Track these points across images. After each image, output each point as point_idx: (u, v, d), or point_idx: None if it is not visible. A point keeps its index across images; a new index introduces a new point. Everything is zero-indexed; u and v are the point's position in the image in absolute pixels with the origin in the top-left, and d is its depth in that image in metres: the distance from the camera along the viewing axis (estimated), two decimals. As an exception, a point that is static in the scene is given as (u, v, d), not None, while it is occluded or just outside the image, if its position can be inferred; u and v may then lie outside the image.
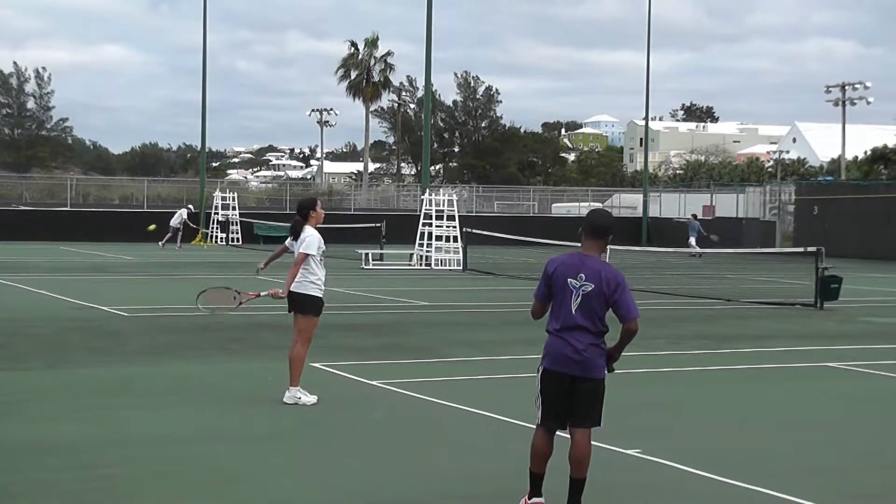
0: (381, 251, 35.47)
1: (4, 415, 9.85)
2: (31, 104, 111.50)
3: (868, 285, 29.07)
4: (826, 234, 44.17)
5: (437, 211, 34.99)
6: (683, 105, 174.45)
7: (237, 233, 49.97)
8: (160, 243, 42.94)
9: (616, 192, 75.03)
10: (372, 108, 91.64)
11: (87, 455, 8.34)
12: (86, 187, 70.95)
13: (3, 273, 26.69)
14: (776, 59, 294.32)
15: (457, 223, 35.08)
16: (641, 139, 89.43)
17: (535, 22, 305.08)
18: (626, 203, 66.99)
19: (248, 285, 17.61)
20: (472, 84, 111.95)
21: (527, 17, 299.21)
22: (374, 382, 11.82)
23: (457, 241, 34.72)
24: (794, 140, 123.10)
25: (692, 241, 46.86)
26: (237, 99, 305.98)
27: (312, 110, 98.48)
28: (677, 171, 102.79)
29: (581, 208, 60.14)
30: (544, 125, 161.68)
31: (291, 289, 10.52)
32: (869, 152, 73.43)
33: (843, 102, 70.19)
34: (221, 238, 49.91)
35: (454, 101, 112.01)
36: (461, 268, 33.43)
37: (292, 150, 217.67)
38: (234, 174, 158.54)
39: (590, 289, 6.71)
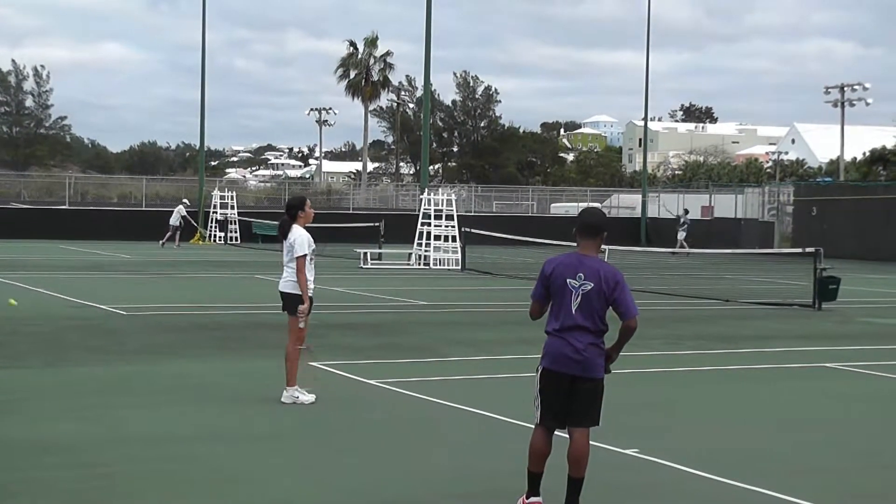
0: (380, 251, 35.49)
1: (3, 413, 9.86)
2: (29, 102, 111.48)
3: (866, 286, 29.09)
4: (824, 234, 44.20)
5: (435, 210, 34.99)
6: (682, 105, 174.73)
7: (236, 232, 50.00)
8: (160, 242, 42.97)
9: (615, 192, 75.09)
10: (371, 108, 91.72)
11: (86, 454, 8.35)
12: (84, 186, 70.97)
13: (2, 271, 26.68)
14: (775, 60, 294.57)
15: (455, 223, 35.08)
16: (640, 139, 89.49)
17: (535, 22, 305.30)
18: (624, 203, 67.02)
19: (247, 285, 17.85)
20: (471, 84, 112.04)
21: (526, 16, 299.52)
22: (372, 382, 11.83)
23: (455, 241, 34.73)
24: (793, 141, 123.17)
25: (681, 236, 47.06)
26: (236, 98, 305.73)
27: (311, 109, 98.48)
28: (676, 172, 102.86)
29: (580, 208, 60.12)
30: (543, 125, 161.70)
31: (281, 289, 10.54)
32: (868, 153, 73.51)
33: (843, 103, 70.24)
34: (220, 237, 49.96)
35: (453, 101, 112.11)
36: (460, 267, 33.44)
37: (291, 150, 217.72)
38: (233, 173, 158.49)
39: (589, 288, 6.72)
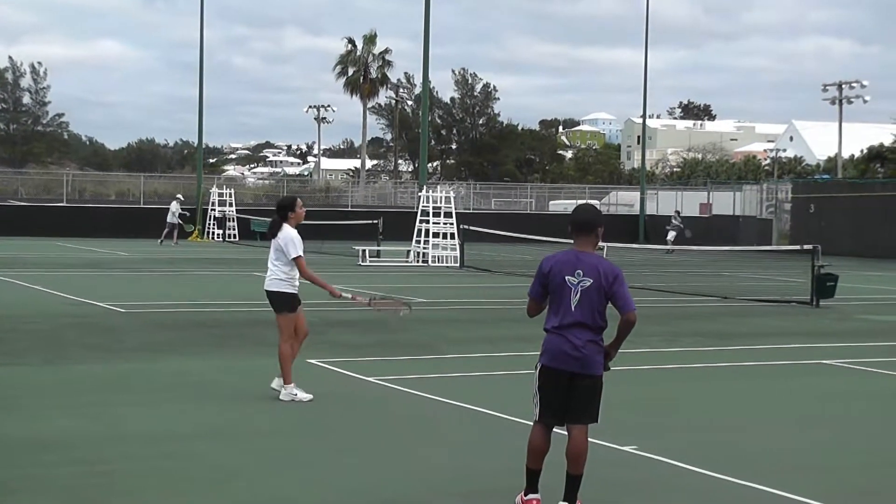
0: (379, 248, 35.50)
1: (2, 410, 9.86)
2: (26, 99, 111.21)
3: (864, 283, 29.12)
4: (822, 231, 44.26)
5: (434, 208, 34.99)
6: (681, 103, 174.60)
7: (234, 229, 50.01)
8: (159, 241, 42.97)
9: (613, 189, 75.11)
10: (369, 105, 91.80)
11: (86, 451, 8.36)
12: (82, 183, 70.90)
13: (0, 269, 26.68)
14: (773, 58, 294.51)
15: (454, 220, 35.08)
16: (639, 137, 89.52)
17: (533, 19, 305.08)
18: (623, 201, 67.06)
19: (245, 282, 17.79)
20: (469, 81, 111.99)
21: (525, 13, 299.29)
22: (371, 379, 11.84)
23: (454, 238, 34.74)
24: (791, 138, 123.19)
25: (671, 236, 47.45)
26: (234, 95, 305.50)
27: (310, 107, 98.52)
28: (675, 169, 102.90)
29: (578, 206, 60.12)
30: (542, 122, 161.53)
31: (266, 288, 10.58)
32: (865, 151, 73.53)
33: (840, 101, 70.31)
34: (218, 234, 49.96)
35: (452, 98, 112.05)
36: (458, 265, 33.46)
37: (289, 147, 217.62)
38: (231, 170, 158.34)
39: (588, 284, 6.72)
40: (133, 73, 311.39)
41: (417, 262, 34.45)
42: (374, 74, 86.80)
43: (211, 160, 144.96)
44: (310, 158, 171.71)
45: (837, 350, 15.32)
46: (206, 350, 13.93)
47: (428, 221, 34.76)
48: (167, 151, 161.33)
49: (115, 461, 8.06)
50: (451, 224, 34.94)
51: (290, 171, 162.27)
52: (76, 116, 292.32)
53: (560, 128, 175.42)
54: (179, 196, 46.89)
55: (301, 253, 10.39)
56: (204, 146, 63.35)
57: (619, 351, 6.91)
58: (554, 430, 6.90)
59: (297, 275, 10.54)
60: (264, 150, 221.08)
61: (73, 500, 7.07)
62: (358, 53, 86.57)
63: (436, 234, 34.75)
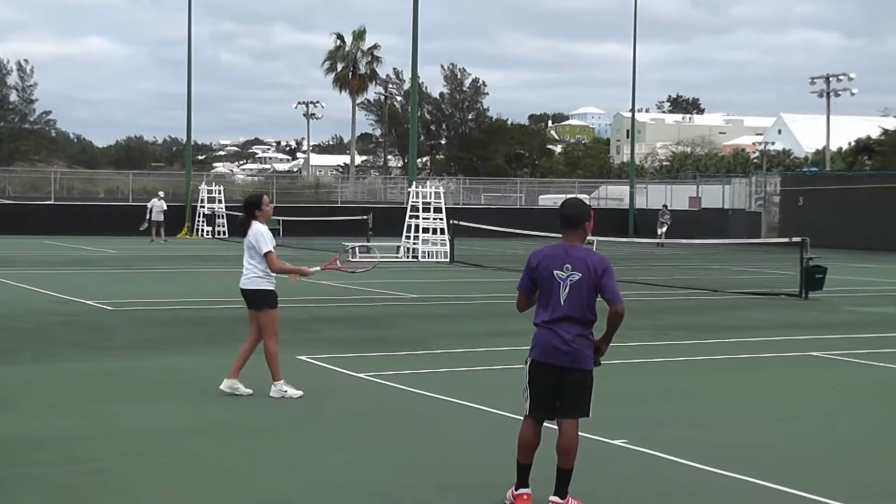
0: (368, 244, 35.45)
1: (-7, 409, 9.84)
2: (13, 97, 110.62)
3: (852, 275, 29.22)
4: (811, 224, 44.36)
5: (423, 203, 35.01)
6: (669, 97, 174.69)
7: (223, 226, 49.95)
8: (150, 239, 43.01)
9: (603, 183, 75.16)
10: (358, 101, 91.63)
11: (78, 449, 8.36)
12: (70, 181, 70.61)
13: (-11, 267, 26.60)
14: (761, 51, 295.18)
15: (444, 215, 35.11)
16: (628, 131, 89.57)
17: (522, 14, 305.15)
18: (612, 195, 67.14)
19: (235, 279, 17.49)
20: (458, 76, 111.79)
21: (513, 8, 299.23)
22: (361, 375, 11.85)
23: (444, 234, 34.75)
24: (780, 131, 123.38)
25: (663, 230, 47.74)
26: (223, 92, 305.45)
27: (299, 103, 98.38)
28: (664, 163, 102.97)
29: (567, 200, 60.14)
30: (531, 117, 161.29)
31: (243, 286, 10.55)
32: (853, 143, 73.80)
33: (828, 94, 70.51)
34: (207, 231, 49.88)
35: (441, 94, 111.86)
36: (448, 260, 33.47)
37: (279, 143, 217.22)
38: (220, 167, 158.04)
39: (577, 278, 6.74)
40: (121, 70, 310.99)
41: (407, 257, 34.46)
42: (363, 70, 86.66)
43: (200, 157, 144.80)
44: (299, 155, 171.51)
45: (826, 342, 15.38)
46: (196, 347, 13.92)
47: (418, 217, 34.77)
48: (156, 149, 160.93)
49: (108, 459, 8.06)
50: (441, 219, 34.96)
51: (280, 167, 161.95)
52: (64, 114, 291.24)
53: (549, 122, 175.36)
54: (161, 193, 46.91)
55: (271, 248, 10.40)
56: (193, 143, 63.20)
57: (609, 345, 6.93)
58: (545, 424, 6.92)
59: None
60: (253, 147, 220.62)
61: (67, 499, 7.07)
62: (347, 49, 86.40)
63: (426, 230, 34.77)
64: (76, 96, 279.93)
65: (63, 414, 9.65)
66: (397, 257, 34.49)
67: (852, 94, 70.40)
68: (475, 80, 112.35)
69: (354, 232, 38.73)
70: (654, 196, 61.39)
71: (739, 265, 34.25)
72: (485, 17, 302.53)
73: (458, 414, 9.99)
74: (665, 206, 52.26)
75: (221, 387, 10.49)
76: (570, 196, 7.96)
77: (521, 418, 6.99)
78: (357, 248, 11.68)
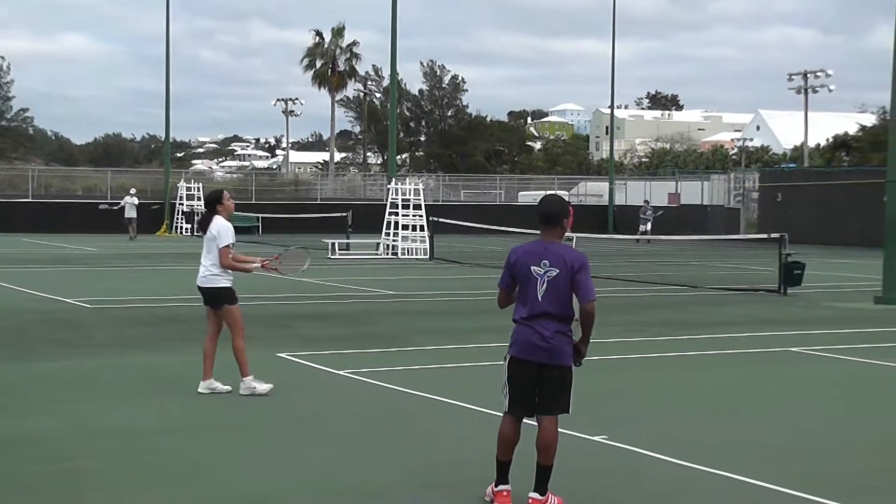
0: (348, 241, 35.43)
1: (-30, 408, 9.78)
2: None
3: (831, 271, 29.38)
4: (789, 220, 44.58)
5: (403, 200, 34.99)
6: (648, 93, 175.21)
7: (202, 223, 49.70)
8: (129, 237, 42.95)
9: (582, 180, 75.28)
10: (338, 98, 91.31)
11: (56, 448, 8.31)
12: (48, 178, 70.20)
13: (-34, 266, 26.42)
14: (739, 47, 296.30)
15: (423, 212, 35.09)
16: (607, 127, 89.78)
17: (501, 10, 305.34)
18: (592, 191, 67.26)
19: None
20: (437, 73, 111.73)
21: (492, 5, 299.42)
22: (341, 372, 11.83)
23: (423, 231, 34.74)
24: (758, 128, 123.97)
25: (647, 227, 47.93)
26: (201, 89, 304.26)
27: (278, 100, 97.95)
28: (643, 160, 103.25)
29: (547, 197, 60.23)
30: (510, 114, 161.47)
31: (200, 284, 10.50)
32: (831, 140, 74.12)
33: (806, 90, 70.82)
34: (186, 229, 49.70)
35: (420, 90, 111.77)
36: (428, 257, 33.45)
37: (258, 140, 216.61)
38: (200, 164, 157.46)
39: (555, 274, 6.74)
40: (98, 67, 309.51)
41: (387, 254, 34.43)
42: (342, 67, 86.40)
43: (179, 154, 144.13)
44: (278, 152, 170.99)
45: (805, 338, 15.45)
46: (175, 345, 13.85)
47: (397, 214, 34.75)
48: (134, 146, 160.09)
49: (86, 458, 8.02)
50: (421, 216, 34.94)
51: (259, 164, 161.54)
52: (41, 111, 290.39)
53: (528, 119, 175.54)
54: (133, 190, 46.82)
55: (230, 243, 10.35)
56: (171, 140, 62.89)
57: (588, 346, 6.90)
58: (525, 421, 6.92)
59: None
60: (232, 144, 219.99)
61: (45, 498, 7.03)
62: (326, 46, 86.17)
63: (405, 227, 34.74)
64: (54, 93, 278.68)
65: (42, 413, 9.60)
66: (377, 254, 34.46)
67: (830, 91, 70.77)
68: (454, 77, 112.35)
69: (334, 229, 38.65)
70: (633, 193, 61.54)
71: (718, 261, 34.38)
72: (464, 14, 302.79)
73: (438, 410, 9.99)
74: (647, 201, 52.38)
75: (199, 389, 10.45)
76: (548, 193, 7.94)
77: (500, 415, 6.99)
78: (293, 248, 11.59)
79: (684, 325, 16.97)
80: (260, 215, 49.22)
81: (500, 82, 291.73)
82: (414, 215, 34.91)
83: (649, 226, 48.74)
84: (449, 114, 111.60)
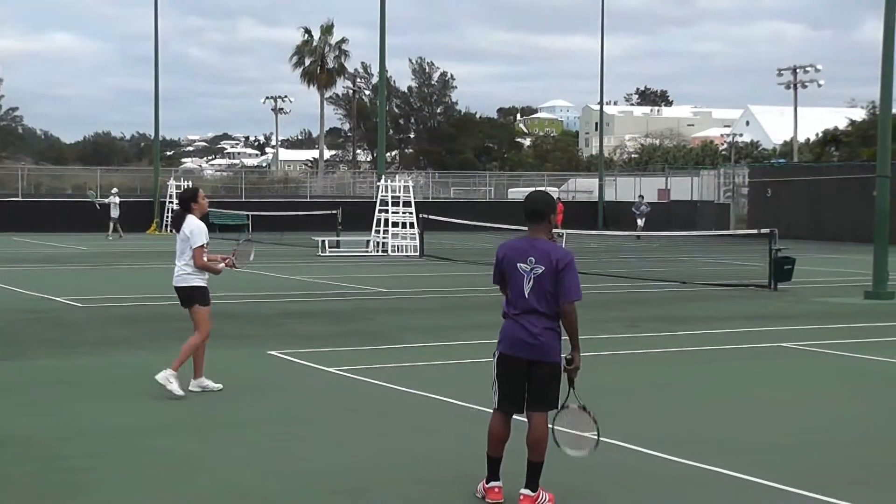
0: (338, 238, 35.42)
1: (-41, 408, 9.75)
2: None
3: (820, 266, 29.44)
4: (779, 215, 44.67)
5: (393, 197, 34.98)
6: (638, 89, 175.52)
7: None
8: (118, 235, 42.93)
9: (572, 176, 75.36)
10: (327, 95, 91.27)
11: (46, 447, 8.30)
12: (37, 177, 70.11)
13: (-45, 265, 26.34)
14: (728, 43, 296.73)
15: (413, 209, 35.08)
16: (596, 123, 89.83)
17: (489, 7, 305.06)
18: (582, 187, 67.33)
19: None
20: (426, 70, 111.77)
21: (480, 1, 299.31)
22: (332, 370, 11.83)
23: (413, 228, 34.72)
24: (748, 123, 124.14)
25: (642, 222, 48.03)
26: (190, 87, 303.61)
27: (267, 98, 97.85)
28: (633, 155, 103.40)
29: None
30: (499, 110, 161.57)
31: (175, 284, 10.49)
32: (820, 134, 74.34)
33: (795, 85, 70.98)
34: (177, 227, 49.62)
35: (409, 88, 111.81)
36: (418, 254, 33.45)
37: (247, 138, 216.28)
38: (189, 163, 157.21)
39: (541, 271, 6.74)
40: (87, 65, 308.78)
41: (377, 252, 34.42)
42: (331, 64, 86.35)
43: (168, 153, 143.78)
44: (268, 149, 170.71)
45: (795, 332, 15.49)
46: (166, 344, 13.79)
47: (387, 211, 34.74)
48: (124, 144, 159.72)
49: (76, 457, 8.01)
50: (411, 213, 34.93)
51: (248, 162, 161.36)
52: (30, 110, 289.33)
53: (518, 115, 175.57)
54: (115, 189, 46.81)
55: (204, 242, 10.32)
56: (161, 139, 62.76)
57: (580, 352, 6.84)
58: (515, 417, 6.93)
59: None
60: (222, 142, 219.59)
61: (34, 497, 7.02)
62: (314, 44, 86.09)
63: (395, 224, 34.73)
64: (42, 92, 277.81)
65: (29, 412, 9.58)
66: (367, 252, 34.45)
67: (819, 86, 70.96)
68: (443, 74, 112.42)
69: (324, 227, 38.62)
70: (623, 188, 61.60)
71: (708, 257, 34.43)
72: (452, 11, 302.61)
73: (427, 407, 9.99)
74: (641, 196, 52.36)
75: (190, 387, 10.43)
76: (534, 189, 7.93)
77: (491, 411, 7.00)
78: (242, 243, 11.59)
79: (675, 320, 16.99)
80: (250, 213, 49.14)
81: (489, 79, 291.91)
82: (404, 212, 34.90)
83: (643, 221, 48.79)
84: (438, 111, 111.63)
